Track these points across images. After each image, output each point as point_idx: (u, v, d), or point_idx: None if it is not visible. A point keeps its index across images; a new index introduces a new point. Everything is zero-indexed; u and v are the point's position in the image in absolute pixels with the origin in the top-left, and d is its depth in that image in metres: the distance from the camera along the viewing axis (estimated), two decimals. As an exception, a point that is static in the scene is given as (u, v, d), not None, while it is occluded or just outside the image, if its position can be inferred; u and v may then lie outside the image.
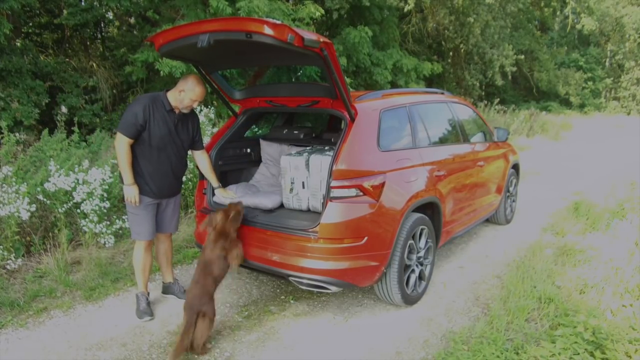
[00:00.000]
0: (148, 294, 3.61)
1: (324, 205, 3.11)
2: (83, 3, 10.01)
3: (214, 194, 3.81)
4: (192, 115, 3.54)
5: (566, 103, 25.64)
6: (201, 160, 3.69)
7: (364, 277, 3.29)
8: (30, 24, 11.09)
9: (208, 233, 3.28)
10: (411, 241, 3.56)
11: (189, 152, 3.66)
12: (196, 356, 3.02)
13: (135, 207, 3.36)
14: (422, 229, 3.70)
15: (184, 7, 8.91)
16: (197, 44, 2.81)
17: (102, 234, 4.46)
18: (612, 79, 27.67)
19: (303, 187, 3.53)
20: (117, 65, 10.55)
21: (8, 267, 3.98)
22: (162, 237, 3.70)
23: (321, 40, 2.75)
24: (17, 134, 5.69)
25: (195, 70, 3.70)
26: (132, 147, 3.25)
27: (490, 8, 15.10)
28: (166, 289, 3.86)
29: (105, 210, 4.56)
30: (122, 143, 3.20)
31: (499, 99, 17.41)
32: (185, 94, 3.27)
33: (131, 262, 4.34)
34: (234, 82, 8.64)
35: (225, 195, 3.72)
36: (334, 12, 10.88)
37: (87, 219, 4.40)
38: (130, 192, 3.28)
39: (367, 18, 11.87)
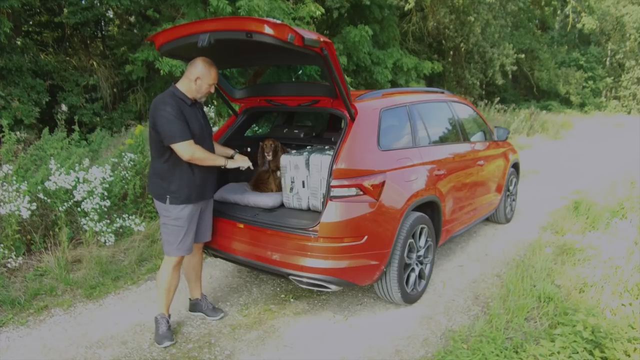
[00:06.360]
0: (169, 316, 3.24)
1: (324, 204, 3.12)
2: (83, 2, 10.02)
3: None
4: (201, 104, 3.24)
5: (566, 102, 25.68)
6: None
7: (364, 276, 3.30)
8: (31, 22, 11.12)
9: None
10: (411, 240, 3.56)
11: None
12: (196, 354, 3.03)
13: (178, 219, 3.01)
14: (422, 228, 3.70)
15: (184, 5, 8.93)
16: (197, 43, 2.81)
17: (103, 232, 4.47)
18: (612, 78, 27.71)
19: (303, 186, 3.54)
20: (118, 64, 10.57)
21: (9, 265, 3.99)
22: (195, 248, 3.30)
23: (321, 39, 2.75)
24: (17, 133, 5.68)
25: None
26: (173, 154, 2.92)
27: (491, 7, 15.13)
28: (193, 307, 3.53)
29: (105, 209, 4.57)
30: (189, 148, 2.87)
31: (499, 98, 17.42)
32: (202, 80, 2.96)
33: (132, 260, 4.36)
34: (234, 81, 8.65)
35: (242, 159, 3.32)
36: (334, 11, 10.89)
37: (87, 218, 4.41)
38: (237, 162, 3.17)
39: (368, 17, 11.89)
